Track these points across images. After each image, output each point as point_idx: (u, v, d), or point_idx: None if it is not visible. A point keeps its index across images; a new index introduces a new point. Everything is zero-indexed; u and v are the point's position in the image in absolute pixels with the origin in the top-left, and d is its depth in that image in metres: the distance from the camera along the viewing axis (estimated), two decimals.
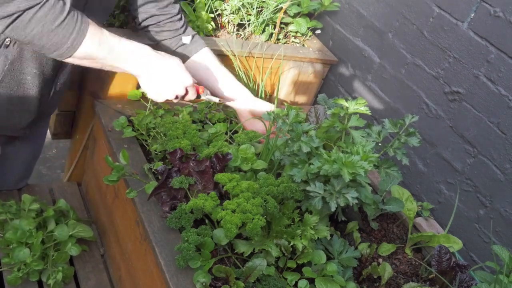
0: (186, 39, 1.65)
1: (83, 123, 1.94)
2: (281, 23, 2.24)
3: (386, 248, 1.50)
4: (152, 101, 1.77)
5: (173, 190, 1.38)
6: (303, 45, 2.32)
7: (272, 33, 2.24)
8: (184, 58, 1.67)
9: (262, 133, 1.64)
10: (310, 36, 2.38)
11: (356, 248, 1.46)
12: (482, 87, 1.74)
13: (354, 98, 1.83)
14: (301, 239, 1.29)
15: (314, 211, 1.36)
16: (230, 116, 1.86)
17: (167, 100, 1.43)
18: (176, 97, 1.44)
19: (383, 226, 1.63)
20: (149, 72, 1.34)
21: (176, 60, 1.39)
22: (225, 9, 2.15)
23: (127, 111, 1.78)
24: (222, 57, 2.01)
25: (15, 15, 1.08)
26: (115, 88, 1.83)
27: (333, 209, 1.29)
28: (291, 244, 1.29)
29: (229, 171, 1.49)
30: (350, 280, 1.34)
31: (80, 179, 2.05)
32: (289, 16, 2.30)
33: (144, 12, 1.60)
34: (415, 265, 1.51)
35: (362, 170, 1.25)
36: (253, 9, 2.18)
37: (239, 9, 2.16)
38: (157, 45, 1.68)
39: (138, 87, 1.87)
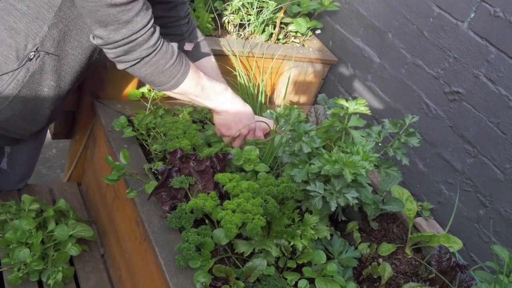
0: (188, 46, 1.66)
1: (83, 123, 1.93)
2: (281, 23, 2.24)
3: (386, 248, 1.50)
4: (152, 101, 1.78)
5: (173, 190, 1.38)
6: (303, 45, 2.32)
7: (272, 33, 2.24)
8: None
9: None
10: (310, 36, 2.38)
11: (356, 248, 1.46)
12: (482, 87, 1.74)
13: (354, 98, 1.83)
14: (301, 239, 1.29)
15: (314, 211, 1.36)
16: None
17: (229, 135, 1.59)
18: (238, 136, 1.60)
19: (383, 226, 1.63)
20: (226, 111, 1.54)
21: (249, 107, 1.60)
22: (225, 9, 2.15)
23: (127, 111, 1.78)
24: (222, 57, 2.01)
25: (136, 61, 1.29)
26: (115, 88, 1.83)
27: (333, 209, 1.29)
28: (291, 244, 1.29)
29: (230, 170, 1.49)
30: (350, 280, 1.34)
31: (80, 179, 2.05)
32: (289, 16, 2.30)
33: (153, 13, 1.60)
34: (415, 265, 1.51)
35: (364, 170, 1.25)
36: (253, 9, 2.18)
37: (239, 9, 2.16)
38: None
39: (138, 87, 1.87)
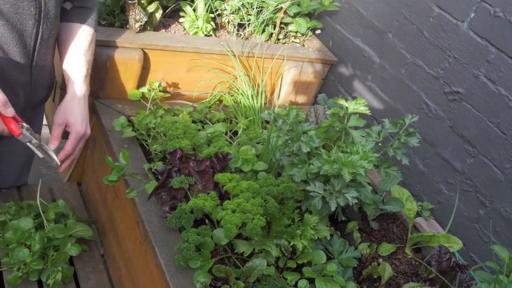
0: (67, 4, 1.54)
1: None
2: (281, 23, 2.24)
3: (386, 248, 1.50)
4: (152, 101, 1.77)
5: (173, 190, 1.38)
6: (303, 45, 2.32)
7: (272, 33, 2.24)
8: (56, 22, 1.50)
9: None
10: (310, 36, 2.38)
11: (356, 248, 1.46)
12: (482, 87, 1.74)
13: (354, 98, 1.83)
14: (301, 239, 1.29)
15: (314, 211, 1.36)
16: (230, 116, 1.86)
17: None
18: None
19: (383, 226, 1.63)
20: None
21: None
22: (225, 9, 2.15)
23: (127, 111, 1.78)
24: (223, 57, 2.01)
25: None
26: (115, 88, 1.83)
27: (333, 209, 1.29)
28: (291, 244, 1.29)
29: (229, 171, 1.49)
30: (350, 280, 1.34)
31: (80, 179, 2.05)
32: (289, 16, 2.30)
33: None
34: (415, 265, 1.51)
35: (362, 169, 1.25)
36: (253, 9, 2.18)
37: (239, 9, 2.16)
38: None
39: (138, 87, 1.87)
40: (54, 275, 1.53)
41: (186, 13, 2.04)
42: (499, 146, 1.70)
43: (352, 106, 1.39)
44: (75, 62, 1.54)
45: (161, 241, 1.32)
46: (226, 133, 1.77)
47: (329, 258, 1.37)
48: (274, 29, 2.24)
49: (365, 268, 1.39)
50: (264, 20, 2.20)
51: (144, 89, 1.84)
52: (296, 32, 2.32)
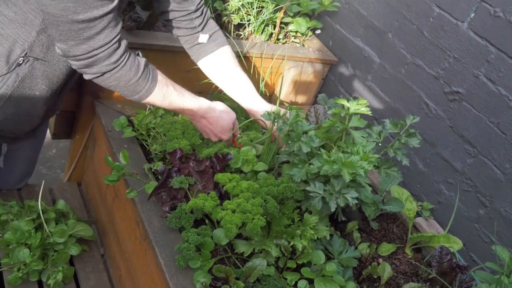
0: (203, 37, 1.64)
1: (83, 123, 1.93)
2: (281, 23, 2.24)
3: (386, 248, 1.50)
4: None
5: (173, 190, 1.38)
6: (303, 45, 2.32)
7: (272, 33, 2.24)
8: (199, 56, 1.67)
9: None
10: (310, 36, 2.38)
11: (356, 248, 1.46)
12: (482, 87, 1.74)
13: (354, 98, 1.83)
14: (301, 239, 1.29)
15: (314, 211, 1.36)
16: None
17: (222, 139, 1.61)
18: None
19: (383, 226, 1.63)
20: (200, 122, 1.57)
21: (224, 106, 1.60)
22: (225, 9, 2.15)
23: (127, 111, 1.78)
24: None
25: (98, 74, 1.29)
26: None
27: (333, 209, 1.29)
28: (291, 244, 1.29)
29: (229, 171, 1.49)
30: (350, 280, 1.34)
31: (80, 179, 2.05)
32: (289, 16, 2.30)
33: (163, 6, 1.59)
34: (415, 265, 1.51)
35: (362, 170, 1.25)
36: (253, 9, 2.18)
37: (239, 9, 2.16)
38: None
39: None
40: (55, 275, 1.53)
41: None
42: (499, 146, 1.70)
43: (353, 106, 1.39)
44: (241, 83, 1.71)
45: (161, 241, 1.32)
46: None
47: (329, 258, 1.37)
48: (274, 29, 2.24)
49: (365, 268, 1.39)
50: (264, 20, 2.20)
51: None
52: (296, 32, 2.32)
